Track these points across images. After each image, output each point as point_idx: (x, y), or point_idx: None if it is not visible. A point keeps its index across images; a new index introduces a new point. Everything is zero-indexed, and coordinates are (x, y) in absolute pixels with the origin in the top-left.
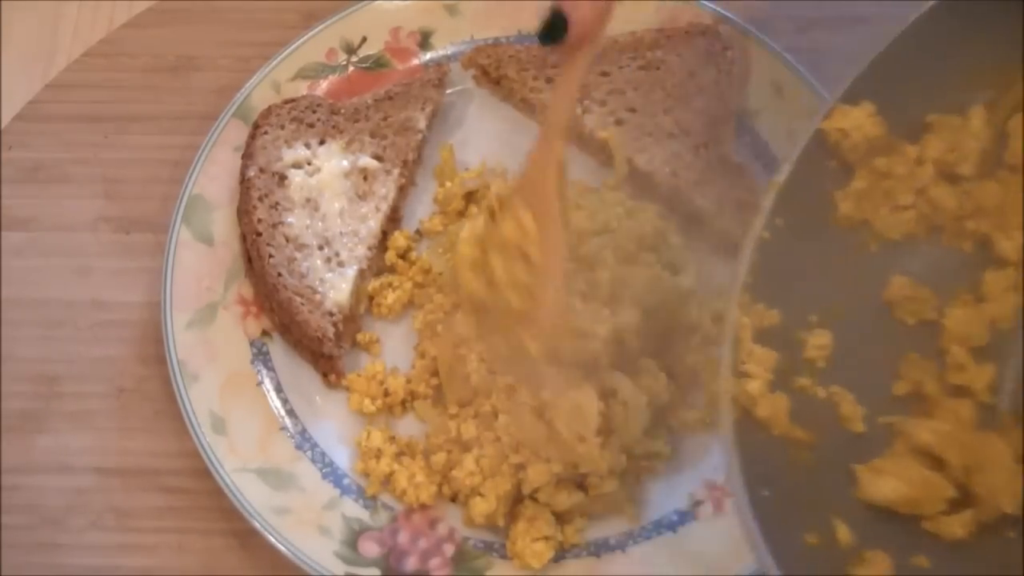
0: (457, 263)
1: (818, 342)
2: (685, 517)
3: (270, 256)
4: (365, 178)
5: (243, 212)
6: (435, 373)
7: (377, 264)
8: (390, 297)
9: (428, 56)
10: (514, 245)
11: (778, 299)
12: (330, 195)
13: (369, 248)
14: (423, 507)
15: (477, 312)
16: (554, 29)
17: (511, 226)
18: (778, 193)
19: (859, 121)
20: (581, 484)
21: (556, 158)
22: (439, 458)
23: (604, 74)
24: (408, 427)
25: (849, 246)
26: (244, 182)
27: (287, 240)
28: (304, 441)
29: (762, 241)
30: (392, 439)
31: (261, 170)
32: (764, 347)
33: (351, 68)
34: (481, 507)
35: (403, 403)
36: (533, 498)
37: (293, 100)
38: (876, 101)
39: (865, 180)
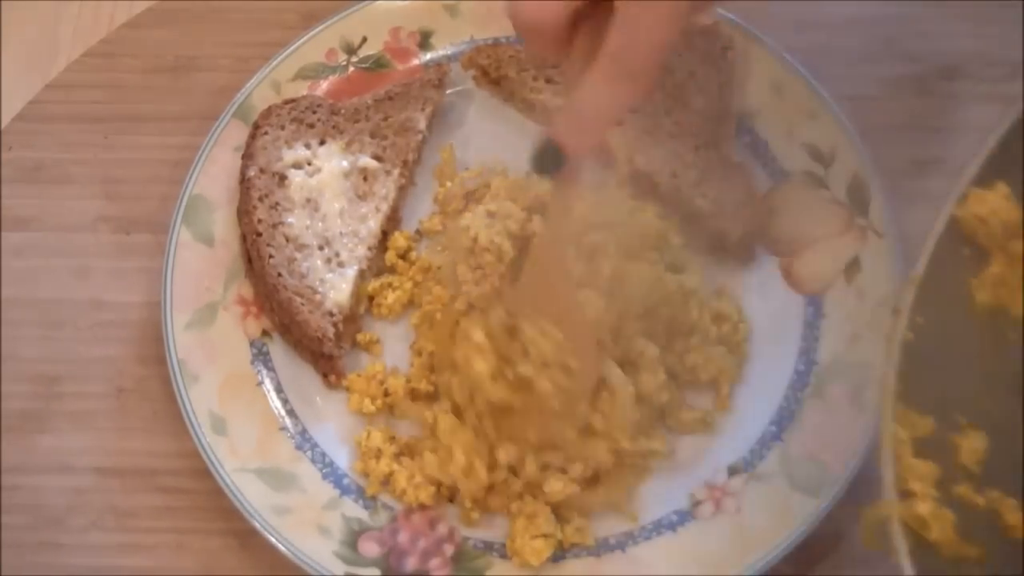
0: (470, 375)
1: (972, 445)
2: (685, 517)
3: (270, 256)
4: (365, 178)
5: (243, 212)
6: (433, 369)
7: (377, 264)
8: (390, 297)
9: (428, 56)
10: (552, 359)
11: (927, 403)
12: (330, 195)
13: (369, 248)
14: (423, 507)
15: (501, 415)
16: (548, 160)
17: (545, 343)
18: (917, 289)
19: (995, 205)
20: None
21: (566, 267)
22: (429, 458)
23: None
24: (408, 427)
25: (987, 336)
26: (244, 182)
27: (287, 240)
28: (304, 441)
29: (906, 343)
30: (392, 439)
31: (261, 170)
32: (923, 460)
33: (351, 68)
34: (450, 465)
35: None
36: (532, 494)
37: (293, 100)
38: (1007, 180)
39: (1001, 265)
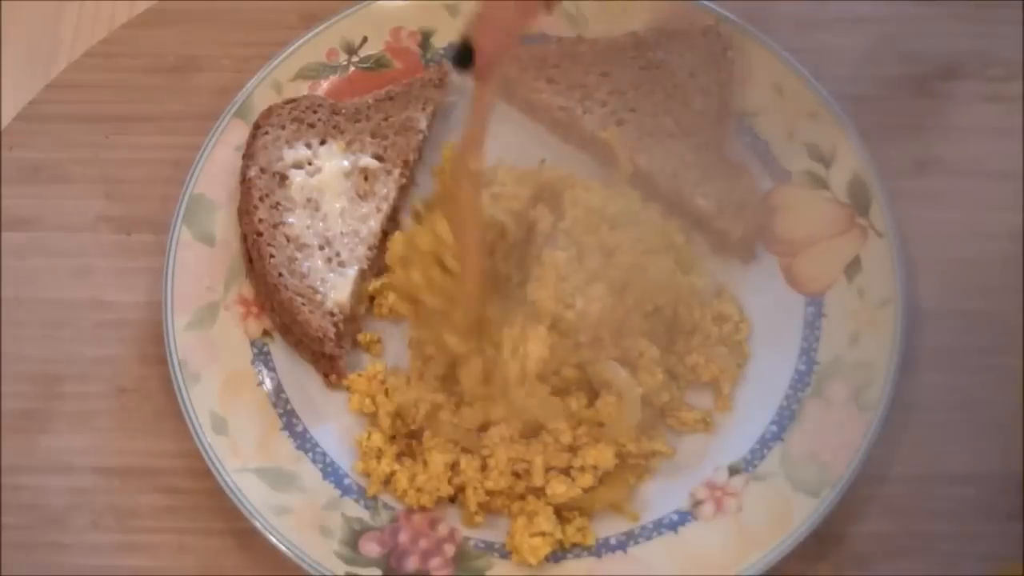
0: (390, 259)
1: None
2: (685, 517)
3: (271, 256)
4: (366, 178)
5: (244, 212)
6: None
7: (378, 264)
8: (391, 297)
9: (429, 56)
10: (431, 253)
11: None
12: (331, 195)
13: (370, 248)
14: (424, 507)
15: (411, 302)
16: (463, 57)
17: (427, 236)
18: None
19: None
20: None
21: (472, 173)
22: (435, 461)
23: (604, 74)
24: None
25: None
26: (245, 182)
27: (288, 240)
28: (305, 441)
29: None
30: (393, 439)
31: (262, 170)
32: None
33: (352, 68)
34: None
35: None
36: (535, 495)
37: (294, 100)
38: None
39: None
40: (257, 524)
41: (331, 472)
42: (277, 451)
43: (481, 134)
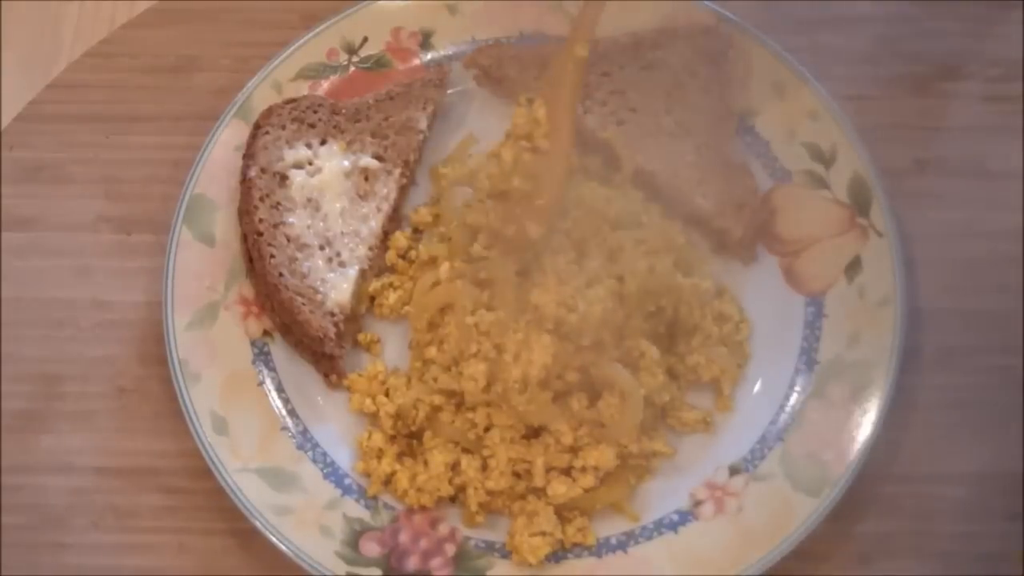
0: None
1: None
2: (685, 517)
3: (271, 256)
4: (366, 178)
5: (244, 212)
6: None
7: (378, 264)
8: (391, 297)
9: (429, 56)
10: (525, 135)
11: None
12: (331, 195)
13: (370, 248)
14: (424, 507)
15: (499, 197)
16: None
17: (524, 117)
18: None
19: None
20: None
21: (578, 58)
22: (435, 461)
23: (605, 74)
24: None
25: None
26: (245, 182)
27: (288, 240)
28: (305, 441)
29: None
30: (393, 439)
31: (262, 170)
32: None
33: (352, 68)
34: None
35: None
36: (536, 495)
37: (294, 100)
38: None
39: None
40: (257, 524)
41: (331, 472)
42: (277, 451)
43: (592, 24)
